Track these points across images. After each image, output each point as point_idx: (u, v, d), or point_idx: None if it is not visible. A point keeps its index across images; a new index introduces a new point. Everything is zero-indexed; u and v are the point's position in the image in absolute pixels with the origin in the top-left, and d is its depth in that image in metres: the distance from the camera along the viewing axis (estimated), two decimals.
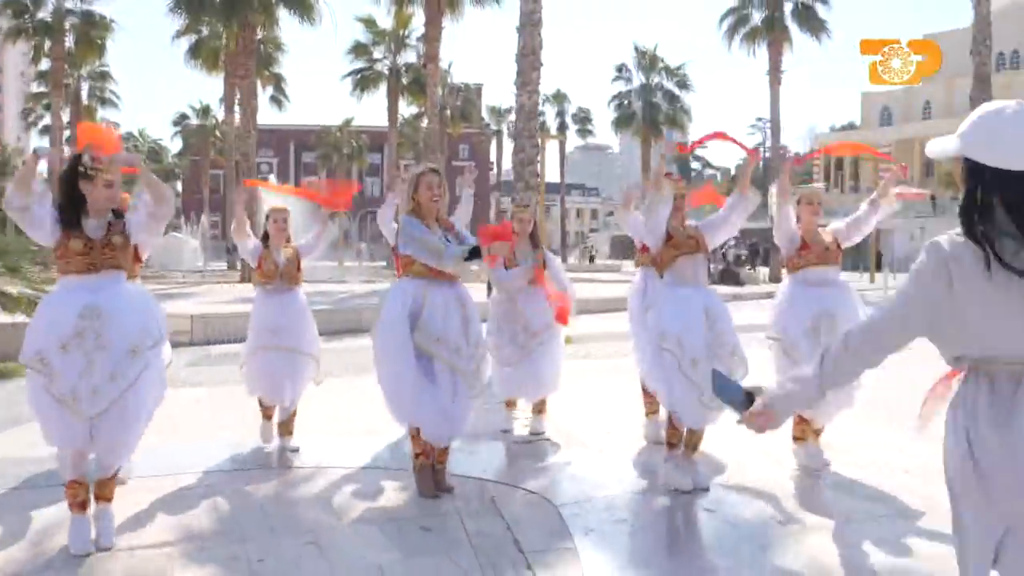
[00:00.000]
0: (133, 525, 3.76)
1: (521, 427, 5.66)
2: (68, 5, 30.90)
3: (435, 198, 4.17)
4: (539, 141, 11.51)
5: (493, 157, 71.61)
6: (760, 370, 4.61)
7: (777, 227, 4.76)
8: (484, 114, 63.97)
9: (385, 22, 34.26)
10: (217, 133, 53.69)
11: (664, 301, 4.41)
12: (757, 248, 32.92)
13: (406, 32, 35.73)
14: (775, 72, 27.70)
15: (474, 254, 4.07)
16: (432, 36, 24.05)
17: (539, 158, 11.84)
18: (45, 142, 41.02)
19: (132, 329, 3.41)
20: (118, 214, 3.60)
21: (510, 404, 5.72)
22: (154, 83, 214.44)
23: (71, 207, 3.46)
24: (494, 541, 3.62)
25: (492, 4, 23.20)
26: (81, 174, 3.43)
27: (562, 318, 5.09)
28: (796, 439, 4.78)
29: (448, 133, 41.56)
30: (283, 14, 23.81)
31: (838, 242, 4.80)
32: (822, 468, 4.64)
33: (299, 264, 5.19)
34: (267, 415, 5.23)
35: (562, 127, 58.33)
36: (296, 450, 5.12)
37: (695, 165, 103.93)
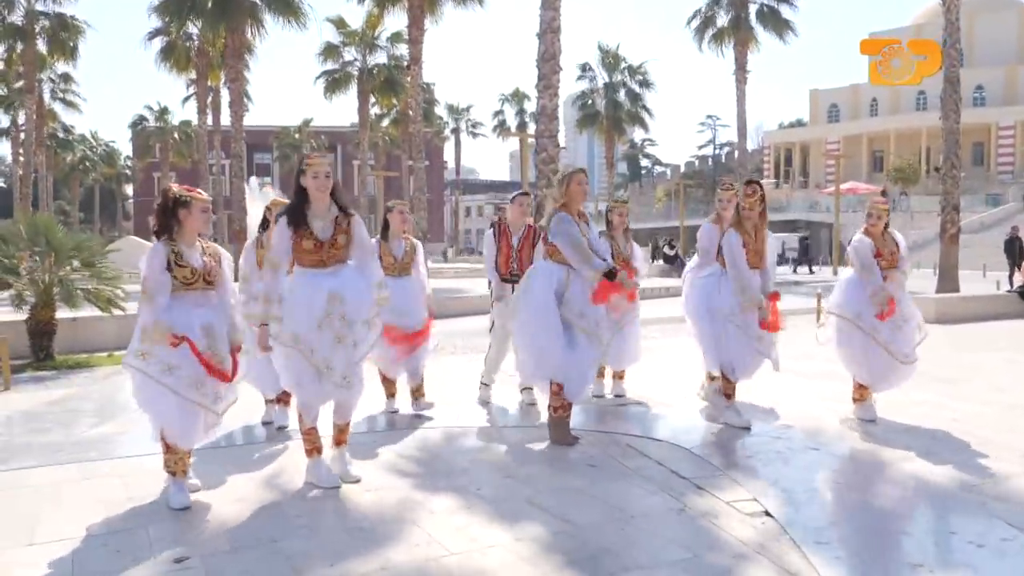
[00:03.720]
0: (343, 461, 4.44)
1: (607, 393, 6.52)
2: (39, 7, 30.59)
3: (585, 193, 5.01)
4: (559, 141, 12.37)
5: (449, 155, 72.40)
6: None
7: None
8: (442, 112, 64.56)
9: (355, 22, 34.65)
10: (175, 135, 53.28)
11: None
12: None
13: (376, 34, 36.13)
14: (741, 71, 28.96)
15: (610, 276, 4.80)
16: (415, 38, 24.59)
17: (560, 158, 12.67)
18: (5, 146, 40.17)
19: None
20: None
21: (599, 374, 6.54)
22: (105, 85, 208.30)
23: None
24: (656, 472, 4.45)
25: (474, 4, 23.82)
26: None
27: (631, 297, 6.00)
28: (855, 400, 5.74)
29: (409, 132, 42.17)
30: (267, 18, 24.09)
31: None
32: (874, 419, 5.62)
33: (414, 255, 5.96)
34: (391, 393, 5.98)
35: (522, 126, 59.38)
36: (431, 405, 5.94)
37: (644, 163, 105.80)
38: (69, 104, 39.57)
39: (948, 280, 17.96)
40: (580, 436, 5.18)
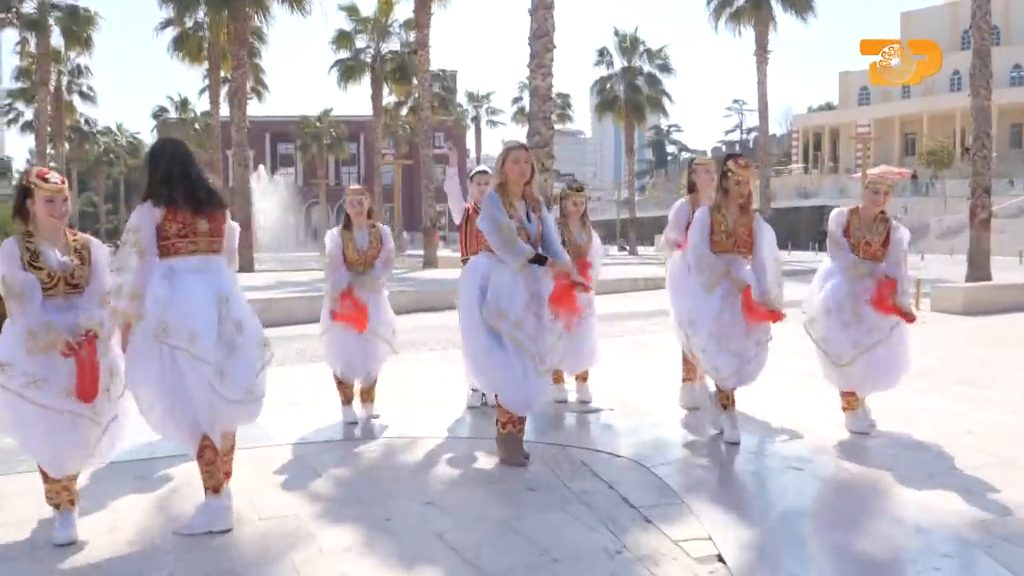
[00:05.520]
0: (248, 496, 3.87)
1: (572, 397, 5.86)
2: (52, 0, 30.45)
3: (523, 172, 4.25)
4: (553, 124, 11.67)
5: (470, 144, 71.64)
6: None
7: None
8: (462, 100, 63.91)
9: (368, 9, 34.15)
10: (196, 126, 53.22)
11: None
12: None
13: (389, 20, 35.62)
14: (762, 52, 27.94)
15: (539, 261, 4.16)
16: (421, 23, 23.99)
17: (554, 141, 11.99)
18: (29, 140, 40.40)
19: None
20: None
21: (557, 378, 5.88)
22: (130, 77, 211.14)
23: None
24: (603, 499, 3.80)
25: None
26: None
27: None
28: (844, 409, 5.03)
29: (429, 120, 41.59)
30: (274, 4, 23.61)
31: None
32: (870, 431, 4.90)
33: (378, 249, 5.29)
34: (347, 398, 5.36)
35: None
36: (377, 416, 5.35)
37: (671, 149, 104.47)
38: (86, 96, 39.53)
39: (978, 267, 16.96)
40: (535, 448, 4.55)
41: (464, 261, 5.26)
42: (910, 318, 4.81)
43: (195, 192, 3.49)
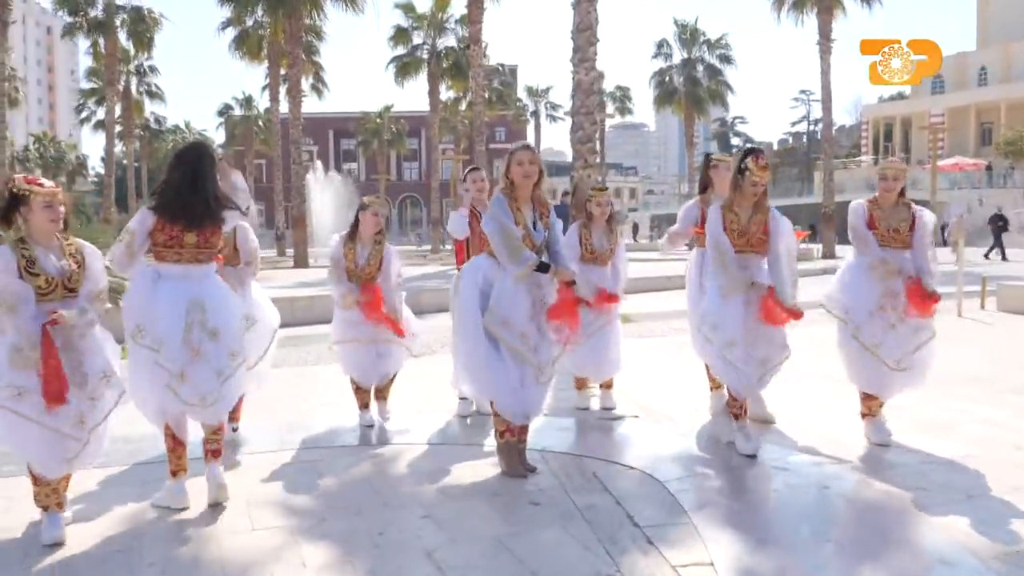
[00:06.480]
0: (245, 504, 3.84)
1: (596, 404, 5.67)
2: (119, 1, 31.41)
3: (527, 175, 4.07)
4: (597, 119, 11.42)
5: (531, 138, 71.43)
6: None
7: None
8: (522, 95, 63.74)
9: (424, 6, 34.27)
10: (260, 123, 54.32)
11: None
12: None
13: (445, 16, 35.67)
14: (825, 41, 27.01)
15: (542, 268, 4.00)
16: (474, 18, 23.91)
17: (598, 136, 11.74)
18: (100, 138, 41.88)
19: None
20: None
21: (580, 384, 5.70)
22: (197, 76, 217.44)
23: None
24: (607, 516, 3.61)
25: None
26: None
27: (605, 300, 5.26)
28: (864, 416, 4.74)
29: (485, 115, 41.62)
30: (327, 2, 23.85)
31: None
32: (888, 442, 4.60)
33: (376, 269, 5.17)
34: (363, 403, 5.29)
35: (600, 105, 57.78)
36: (388, 418, 5.28)
37: (735, 141, 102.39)
38: (154, 95, 40.73)
39: None
40: (548, 458, 4.41)
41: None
42: (935, 297, 4.49)
43: (193, 208, 3.63)
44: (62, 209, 3.46)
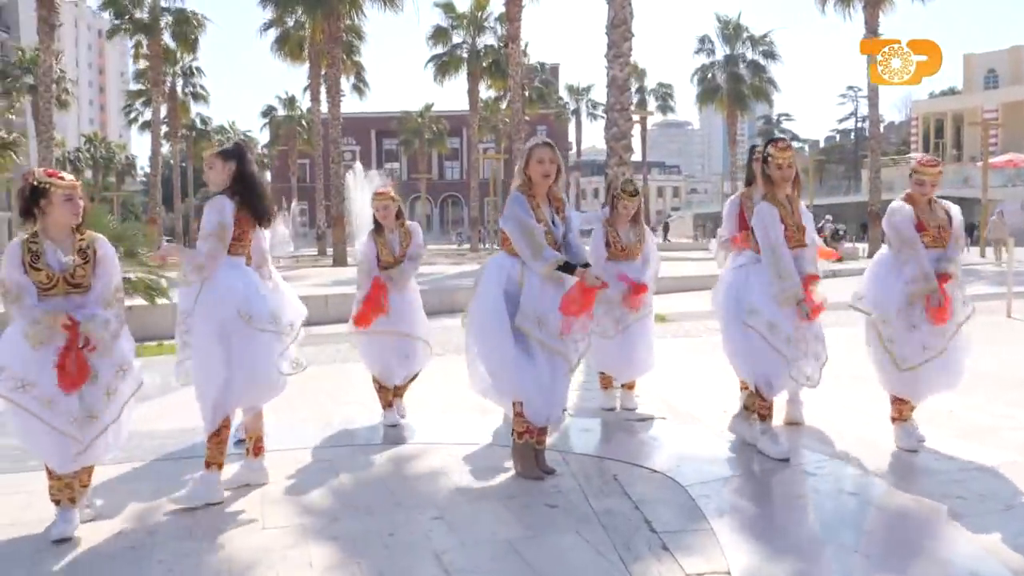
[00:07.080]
0: (259, 502, 3.81)
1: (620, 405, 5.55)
2: (163, 3, 32.02)
3: (546, 173, 4.00)
4: (634, 116, 11.25)
5: (572, 137, 71.04)
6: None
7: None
8: (563, 93, 63.46)
9: (463, 5, 34.32)
10: (303, 123, 54.95)
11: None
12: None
13: (484, 15, 35.70)
14: (872, 35, 26.37)
15: (566, 269, 3.92)
16: (512, 16, 23.83)
17: (632, 133, 11.57)
18: (146, 138, 42.75)
19: None
20: None
21: (606, 383, 5.58)
22: (242, 77, 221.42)
23: None
24: (624, 520, 3.50)
25: None
26: None
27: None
28: (894, 420, 4.55)
29: (525, 114, 41.53)
30: (367, 2, 24.00)
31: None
32: (920, 447, 4.41)
33: (411, 237, 5.20)
34: (386, 402, 5.25)
35: (642, 103, 57.29)
36: (403, 416, 5.26)
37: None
38: (198, 96, 41.46)
39: None
40: (568, 459, 4.32)
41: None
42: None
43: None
44: (82, 202, 3.47)
